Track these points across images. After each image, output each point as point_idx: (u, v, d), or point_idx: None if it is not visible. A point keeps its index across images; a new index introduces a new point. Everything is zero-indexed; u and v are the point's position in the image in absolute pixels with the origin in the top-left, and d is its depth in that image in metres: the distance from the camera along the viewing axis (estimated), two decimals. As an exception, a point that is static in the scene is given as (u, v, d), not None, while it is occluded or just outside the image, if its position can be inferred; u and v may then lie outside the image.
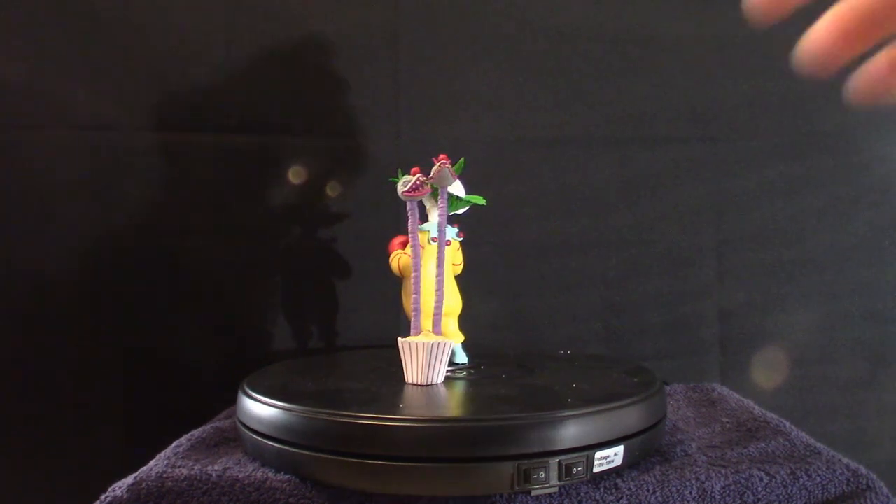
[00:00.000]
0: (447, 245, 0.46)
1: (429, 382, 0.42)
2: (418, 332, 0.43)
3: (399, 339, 0.43)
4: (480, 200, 0.48)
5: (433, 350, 0.42)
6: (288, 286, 0.64)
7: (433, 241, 0.46)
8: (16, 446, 0.60)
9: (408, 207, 0.43)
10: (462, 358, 0.49)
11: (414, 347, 0.42)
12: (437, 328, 0.44)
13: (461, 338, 0.48)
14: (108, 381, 0.61)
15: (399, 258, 0.47)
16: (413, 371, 0.43)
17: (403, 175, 0.43)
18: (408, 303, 0.46)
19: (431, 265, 0.45)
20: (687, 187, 0.66)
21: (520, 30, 0.65)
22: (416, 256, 0.43)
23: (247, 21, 0.62)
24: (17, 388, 0.60)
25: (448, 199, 0.46)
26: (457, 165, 0.47)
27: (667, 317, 0.65)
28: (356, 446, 0.35)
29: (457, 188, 0.48)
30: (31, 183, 0.60)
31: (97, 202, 0.61)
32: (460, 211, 0.49)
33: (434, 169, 0.43)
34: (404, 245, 0.47)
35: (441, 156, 0.43)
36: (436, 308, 0.44)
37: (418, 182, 0.42)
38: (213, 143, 0.61)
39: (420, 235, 0.46)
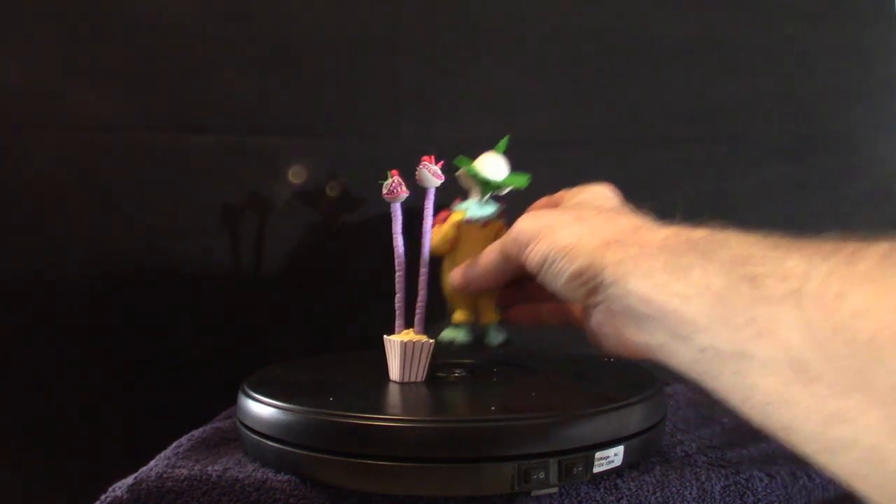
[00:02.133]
0: (484, 226, 0.46)
1: (407, 380, 0.43)
2: (401, 330, 0.44)
3: (384, 337, 0.44)
4: (520, 182, 0.47)
5: (409, 349, 0.43)
6: (288, 286, 0.64)
7: (470, 222, 0.46)
8: (16, 446, 0.60)
9: (391, 210, 0.44)
10: (500, 337, 0.48)
11: (395, 345, 0.43)
12: (419, 327, 0.44)
13: (496, 318, 0.47)
14: (108, 381, 0.61)
15: (433, 235, 0.46)
16: (394, 368, 0.44)
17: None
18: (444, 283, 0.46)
19: (468, 247, 0.45)
20: (687, 187, 0.66)
21: (520, 30, 0.65)
22: (400, 256, 0.44)
23: (247, 21, 0.62)
24: (17, 389, 0.60)
25: (482, 185, 0.46)
26: (500, 143, 0.47)
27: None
28: (356, 446, 0.35)
29: (494, 169, 0.47)
30: (31, 183, 0.60)
31: (97, 202, 0.61)
32: (502, 193, 0.48)
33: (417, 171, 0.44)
34: (444, 220, 0.47)
35: (425, 157, 0.44)
36: (418, 307, 0.44)
37: (395, 184, 0.43)
38: (213, 143, 0.61)
39: (455, 215, 0.46)
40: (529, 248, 0.38)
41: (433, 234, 0.46)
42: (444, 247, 0.46)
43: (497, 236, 0.46)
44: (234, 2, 0.62)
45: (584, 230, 0.36)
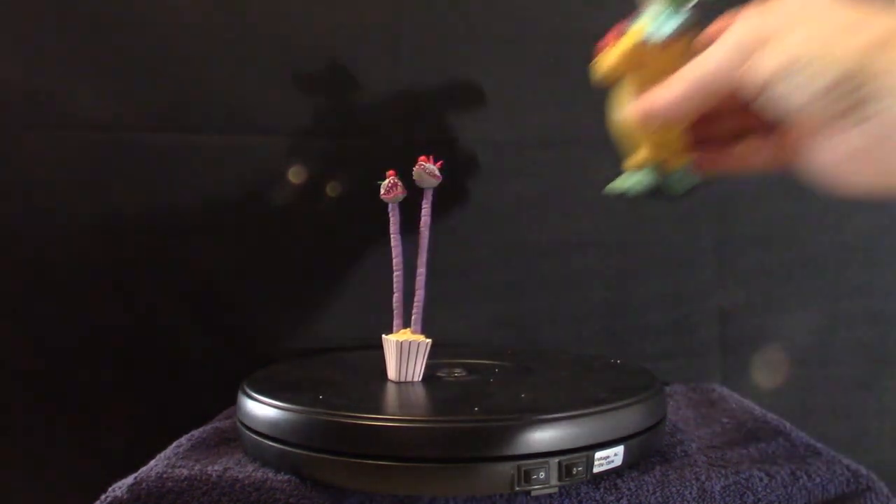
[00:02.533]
0: (666, 46, 0.36)
1: (404, 379, 0.44)
2: (398, 330, 0.45)
3: (382, 336, 0.44)
4: None
5: (405, 348, 0.43)
6: (288, 286, 0.64)
7: (648, 41, 0.36)
8: (16, 446, 0.60)
9: (388, 209, 0.44)
10: (689, 182, 0.37)
11: (392, 345, 0.44)
12: (416, 326, 0.44)
13: (685, 159, 0.37)
14: (108, 381, 0.61)
15: (601, 61, 0.37)
16: (391, 368, 0.44)
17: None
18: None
19: (648, 72, 0.36)
20: (687, 187, 0.66)
21: (520, 30, 0.65)
22: (398, 256, 0.44)
23: (247, 21, 0.62)
24: (16, 389, 0.60)
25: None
26: None
27: (667, 317, 0.65)
28: (356, 446, 0.35)
29: None
30: (31, 183, 0.60)
31: (97, 202, 0.61)
32: (690, 3, 0.37)
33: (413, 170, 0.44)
34: (616, 40, 0.38)
35: (421, 157, 0.44)
36: (415, 307, 0.44)
37: (391, 184, 0.44)
38: (213, 143, 0.61)
39: (630, 34, 0.37)
40: (757, 56, 0.29)
41: (601, 59, 0.37)
42: (614, 74, 0.37)
43: (684, 58, 0.34)
44: (234, 1, 0.62)
45: (835, 27, 0.28)
